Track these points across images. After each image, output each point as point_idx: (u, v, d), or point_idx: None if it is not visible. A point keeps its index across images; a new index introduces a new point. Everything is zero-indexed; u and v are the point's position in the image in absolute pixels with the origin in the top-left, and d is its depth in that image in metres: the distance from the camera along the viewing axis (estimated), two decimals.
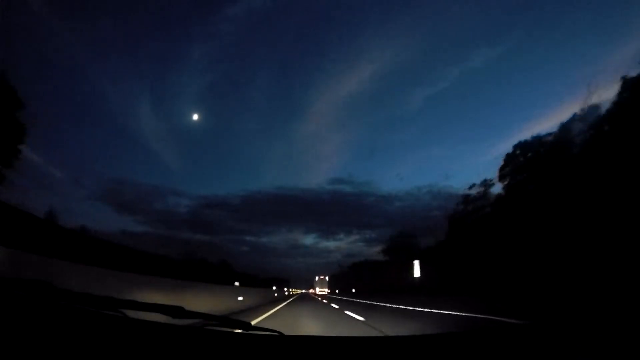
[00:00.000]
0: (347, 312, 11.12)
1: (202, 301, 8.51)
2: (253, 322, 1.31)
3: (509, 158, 28.64)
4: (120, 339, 0.98)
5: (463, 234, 31.14)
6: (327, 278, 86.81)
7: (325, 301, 22.51)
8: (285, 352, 1.03)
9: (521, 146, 27.72)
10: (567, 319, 3.99)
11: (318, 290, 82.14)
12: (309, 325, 7.68)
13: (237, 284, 27.82)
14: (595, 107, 22.38)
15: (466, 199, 34.68)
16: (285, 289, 43.52)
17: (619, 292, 9.41)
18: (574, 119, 24.08)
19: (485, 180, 32.96)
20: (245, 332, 1.18)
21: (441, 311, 9.75)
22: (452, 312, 9.14)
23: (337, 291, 73.35)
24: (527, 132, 78.42)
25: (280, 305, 16.07)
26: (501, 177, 29.38)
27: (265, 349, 1.06)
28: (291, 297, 28.10)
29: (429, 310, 10.31)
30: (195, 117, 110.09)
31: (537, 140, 26.66)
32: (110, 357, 0.90)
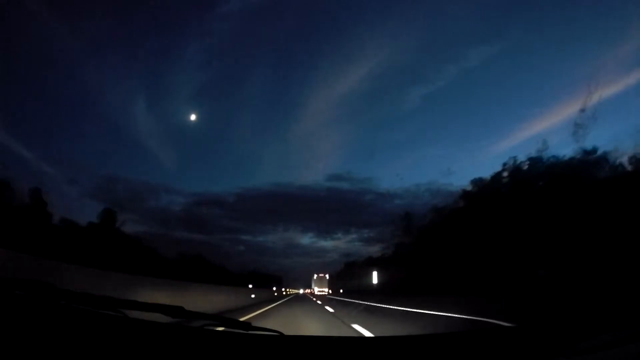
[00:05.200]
0: None
1: None
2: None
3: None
4: (120, 339, 0.98)
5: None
6: (327, 276, 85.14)
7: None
8: (285, 352, 1.04)
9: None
10: (554, 321, 3.97)
11: (317, 290, 79.72)
12: None
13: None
14: None
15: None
16: (249, 288, 24.83)
17: (608, 294, 9.35)
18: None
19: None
20: (245, 332, 1.18)
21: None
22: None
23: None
24: (525, 131, 78.42)
25: None
26: None
27: (265, 349, 1.06)
28: (276, 302, 20.07)
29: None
30: (190, 113, 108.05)
31: None
32: (110, 357, 0.90)
